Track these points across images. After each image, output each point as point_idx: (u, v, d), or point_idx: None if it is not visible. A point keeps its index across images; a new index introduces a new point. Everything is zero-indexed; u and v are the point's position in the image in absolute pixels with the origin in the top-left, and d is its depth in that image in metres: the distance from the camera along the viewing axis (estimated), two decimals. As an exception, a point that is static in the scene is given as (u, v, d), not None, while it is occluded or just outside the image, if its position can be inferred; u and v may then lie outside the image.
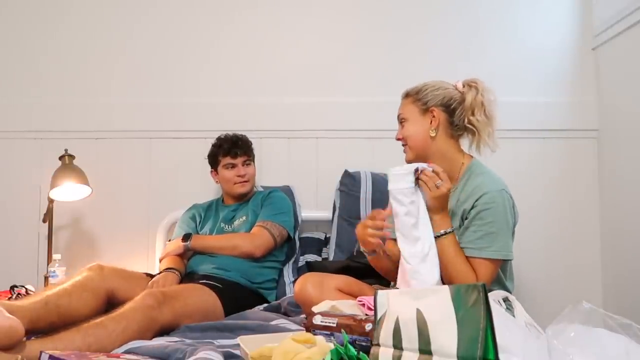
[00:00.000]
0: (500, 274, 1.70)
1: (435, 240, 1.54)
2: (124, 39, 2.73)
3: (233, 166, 2.33)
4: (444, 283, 1.58)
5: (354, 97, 2.66)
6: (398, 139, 1.77)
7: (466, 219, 1.63)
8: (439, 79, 1.77)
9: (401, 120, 1.76)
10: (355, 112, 2.65)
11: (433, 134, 1.70)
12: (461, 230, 1.63)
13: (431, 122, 1.70)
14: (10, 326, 1.32)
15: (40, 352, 1.22)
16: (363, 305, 1.53)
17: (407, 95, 1.78)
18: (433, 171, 1.54)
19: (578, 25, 2.65)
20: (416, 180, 1.54)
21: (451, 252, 1.56)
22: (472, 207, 1.62)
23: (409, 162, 1.71)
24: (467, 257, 1.59)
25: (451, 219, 1.63)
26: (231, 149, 2.33)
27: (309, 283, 1.74)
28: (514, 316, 1.15)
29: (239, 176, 2.32)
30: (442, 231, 1.56)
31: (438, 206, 1.56)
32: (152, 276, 2.07)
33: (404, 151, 1.77)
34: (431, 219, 1.56)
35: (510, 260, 1.67)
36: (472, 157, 1.76)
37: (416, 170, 1.54)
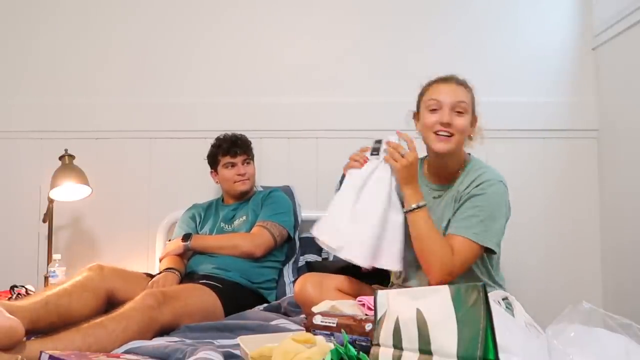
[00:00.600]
0: (488, 266, 1.70)
1: (407, 215, 1.56)
2: (124, 39, 2.73)
3: (233, 165, 2.33)
4: (415, 257, 1.61)
5: (354, 97, 2.66)
6: (448, 124, 1.61)
7: (462, 200, 1.64)
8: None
9: (460, 110, 1.63)
10: (355, 112, 2.65)
11: (471, 135, 1.69)
12: (454, 211, 1.65)
13: (472, 123, 1.68)
14: (10, 326, 1.32)
15: (41, 352, 1.22)
16: (363, 305, 1.54)
17: (466, 85, 1.69)
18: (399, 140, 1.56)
19: (578, 25, 2.65)
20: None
21: (423, 226, 1.56)
22: (465, 190, 1.64)
23: (448, 152, 1.64)
24: (449, 235, 1.60)
25: (449, 206, 1.64)
26: (230, 148, 2.33)
27: (309, 283, 1.74)
28: (513, 316, 1.15)
29: (238, 175, 2.32)
30: (413, 205, 1.56)
31: (407, 176, 1.57)
32: (152, 276, 2.07)
33: (442, 141, 1.63)
34: (403, 193, 1.57)
35: (494, 252, 1.63)
36: (469, 154, 1.78)
37: (379, 141, 1.57)
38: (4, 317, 1.34)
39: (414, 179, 1.58)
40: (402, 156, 1.56)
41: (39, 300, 1.55)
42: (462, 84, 1.68)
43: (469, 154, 1.78)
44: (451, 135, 1.62)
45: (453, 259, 1.55)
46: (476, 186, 1.63)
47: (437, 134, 1.63)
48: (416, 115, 1.76)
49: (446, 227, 1.66)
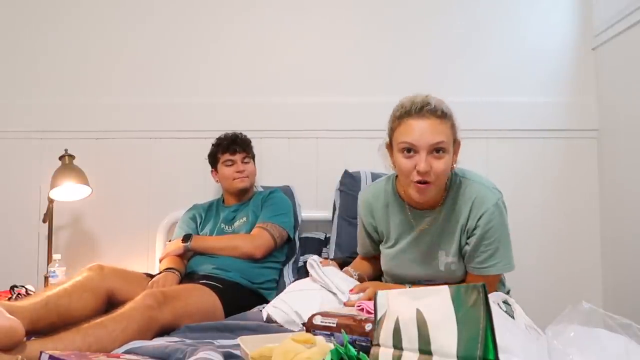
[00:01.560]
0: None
1: None
2: (124, 39, 2.74)
3: (232, 163, 2.34)
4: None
5: (354, 97, 2.66)
6: (425, 173, 1.43)
7: (469, 238, 1.58)
8: (420, 87, 1.60)
9: (440, 150, 1.44)
10: (356, 111, 2.65)
11: (454, 166, 1.53)
12: (468, 251, 1.59)
13: (455, 152, 1.52)
14: (10, 327, 1.32)
15: (41, 352, 1.22)
16: (362, 309, 1.53)
17: (444, 116, 1.45)
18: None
19: (578, 25, 2.65)
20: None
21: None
22: (475, 229, 1.56)
23: (429, 199, 1.54)
24: (475, 276, 1.58)
25: (446, 234, 1.61)
26: (230, 145, 2.34)
27: None
28: (513, 318, 1.15)
29: (237, 172, 2.32)
30: None
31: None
32: (152, 276, 2.07)
33: (421, 192, 1.46)
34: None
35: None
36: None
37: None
38: (4, 318, 1.34)
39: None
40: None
41: (39, 300, 1.56)
42: (440, 116, 1.45)
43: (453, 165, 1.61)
44: (430, 182, 1.47)
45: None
46: (480, 219, 1.54)
47: (415, 185, 1.47)
48: (389, 148, 1.58)
49: (439, 250, 1.64)
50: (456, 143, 1.52)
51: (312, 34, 2.71)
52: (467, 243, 1.60)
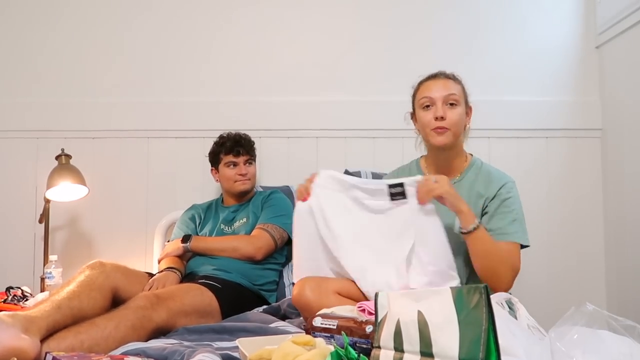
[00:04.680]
0: None
1: (470, 235, 1.59)
2: (121, 37, 2.73)
3: (235, 165, 2.33)
4: (477, 276, 1.67)
5: (354, 96, 2.66)
6: (441, 119, 1.68)
7: (486, 207, 1.72)
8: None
9: (452, 102, 1.71)
10: (356, 111, 2.65)
11: (467, 125, 1.76)
12: (486, 219, 1.71)
13: (467, 113, 1.76)
14: (20, 349, 1.31)
15: (45, 353, 1.26)
16: (363, 311, 1.52)
17: (454, 78, 1.77)
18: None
19: (581, 23, 2.65)
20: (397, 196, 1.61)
21: (488, 240, 1.62)
22: (495, 197, 1.71)
23: (446, 145, 1.71)
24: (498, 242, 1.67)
25: (465, 199, 1.67)
26: (234, 147, 2.33)
27: (307, 287, 1.72)
28: (516, 318, 1.15)
29: (240, 174, 2.32)
30: (472, 227, 1.59)
31: (455, 196, 1.59)
32: (153, 275, 2.06)
33: (441, 134, 1.70)
34: (460, 214, 1.60)
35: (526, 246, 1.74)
36: (471, 154, 1.83)
37: (398, 185, 1.60)
38: (17, 338, 1.32)
39: (462, 200, 1.62)
40: (436, 182, 1.59)
41: (52, 305, 1.52)
42: (451, 77, 1.76)
43: (471, 154, 1.83)
44: (447, 129, 1.70)
45: (516, 261, 1.66)
46: (501, 188, 1.71)
47: (434, 130, 1.70)
48: (413, 116, 1.83)
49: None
50: (467, 106, 1.77)
51: (311, 31, 2.71)
52: (485, 210, 1.72)
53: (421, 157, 1.90)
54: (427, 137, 1.75)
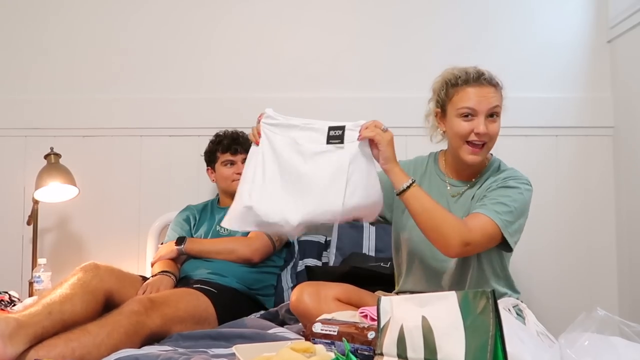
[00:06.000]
0: (506, 265, 1.72)
1: (404, 194, 1.55)
2: (113, 33, 2.73)
3: (232, 163, 2.33)
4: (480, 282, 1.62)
5: (356, 92, 2.66)
6: (483, 134, 1.61)
7: (489, 189, 1.66)
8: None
9: (493, 114, 1.65)
10: (358, 108, 2.63)
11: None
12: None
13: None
14: None
15: None
16: (365, 316, 1.52)
17: (497, 85, 1.69)
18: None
19: (592, 17, 2.65)
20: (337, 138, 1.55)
21: (425, 198, 1.55)
22: (497, 182, 1.66)
23: (476, 163, 1.67)
24: (471, 213, 1.61)
25: (465, 208, 1.66)
26: (231, 145, 2.33)
27: (305, 293, 1.72)
28: (524, 324, 1.15)
29: (237, 174, 2.31)
30: (409, 182, 1.55)
31: (392, 152, 1.56)
32: (147, 279, 2.07)
33: (475, 153, 1.64)
34: (391, 172, 1.56)
35: (508, 250, 1.65)
36: (491, 153, 1.79)
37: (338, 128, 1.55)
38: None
39: (395, 157, 1.58)
40: (385, 130, 1.54)
41: (41, 310, 1.52)
42: (495, 84, 1.68)
43: (491, 154, 1.79)
44: (484, 143, 1.65)
45: (470, 228, 1.54)
46: (508, 179, 1.66)
47: (470, 144, 1.64)
48: (440, 116, 1.73)
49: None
50: (502, 110, 1.71)
51: (312, 27, 2.70)
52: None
53: (440, 151, 1.84)
54: (457, 148, 1.67)
